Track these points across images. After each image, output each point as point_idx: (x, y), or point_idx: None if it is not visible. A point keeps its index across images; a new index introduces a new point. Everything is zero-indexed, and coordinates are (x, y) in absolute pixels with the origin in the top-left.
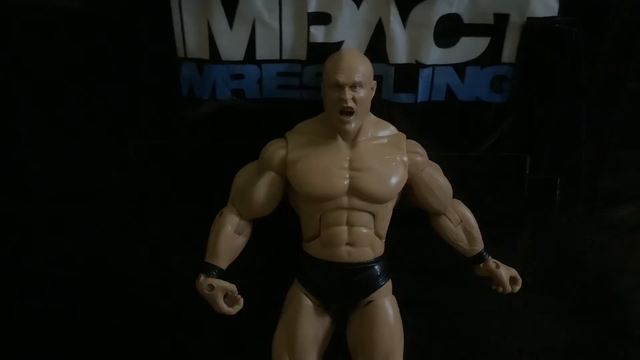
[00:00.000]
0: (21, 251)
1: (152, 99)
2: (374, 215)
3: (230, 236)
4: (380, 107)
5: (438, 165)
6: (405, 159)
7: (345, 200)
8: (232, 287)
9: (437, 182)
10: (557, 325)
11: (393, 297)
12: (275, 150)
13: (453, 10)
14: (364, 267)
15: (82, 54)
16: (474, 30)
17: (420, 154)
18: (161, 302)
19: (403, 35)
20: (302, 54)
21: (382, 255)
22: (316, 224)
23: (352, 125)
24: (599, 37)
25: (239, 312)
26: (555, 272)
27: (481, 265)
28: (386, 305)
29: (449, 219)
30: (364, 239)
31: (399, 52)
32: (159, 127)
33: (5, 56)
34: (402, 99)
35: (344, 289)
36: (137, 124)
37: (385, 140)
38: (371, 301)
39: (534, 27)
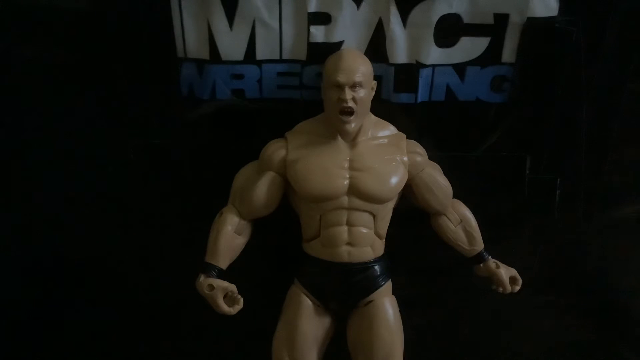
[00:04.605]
0: (21, 251)
1: (152, 99)
2: (374, 215)
3: (230, 236)
4: (380, 107)
5: (438, 165)
6: (405, 159)
7: (345, 200)
8: (232, 287)
9: (437, 182)
10: (557, 325)
11: (393, 297)
12: (275, 150)
13: (453, 10)
14: (364, 267)
15: (82, 54)
16: (474, 30)
17: (420, 154)
18: (161, 302)
19: (403, 35)
20: (302, 54)
21: (382, 255)
22: (316, 224)
23: (352, 125)
24: (599, 37)
25: (239, 312)
26: (555, 272)
27: (481, 265)
28: (386, 305)
29: (449, 219)
30: (364, 239)
31: (399, 52)
32: (159, 127)
33: (5, 56)
34: (402, 99)
35: (344, 289)
36: (137, 124)
37: (385, 140)
38: (371, 301)
39: (534, 27)
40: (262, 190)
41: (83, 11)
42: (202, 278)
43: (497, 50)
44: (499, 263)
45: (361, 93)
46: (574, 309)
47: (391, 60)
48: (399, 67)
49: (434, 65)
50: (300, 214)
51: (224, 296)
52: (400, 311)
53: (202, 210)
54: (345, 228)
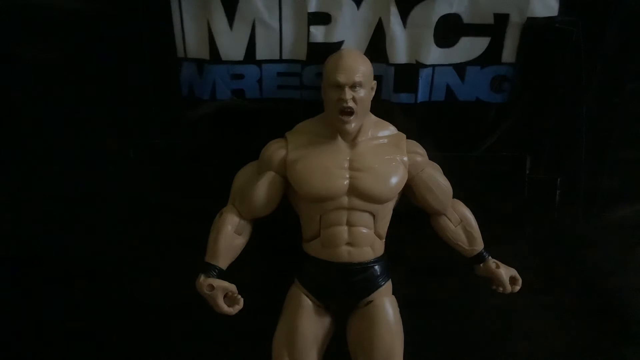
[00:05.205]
0: (21, 251)
1: (152, 99)
2: (374, 215)
3: (230, 236)
4: (380, 107)
5: (438, 165)
6: (405, 159)
7: (345, 200)
8: (232, 287)
9: (437, 182)
10: (557, 325)
11: (393, 297)
12: (275, 150)
13: (453, 10)
14: (364, 267)
15: (82, 54)
16: (474, 30)
17: (420, 154)
18: (161, 302)
19: (403, 35)
20: (302, 54)
21: (382, 255)
22: (316, 224)
23: (352, 125)
24: (599, 37)
25: (239, 312)
26: (555, 272)
27: (481, 265)
28: (386, 305)
29: (449, 219)
30: (364, 239)
31: (399, 52)
32: (159, 127)
33: (5, 56)
34: (402, 99)
35: (344, 289)
36: (137, 124)
37: (385, 140)
38: (371, 301)
39: (534, 27)
40: (262, 190)
41: (83, 11)
42: (202, 278)
43: (497, 50)
44: (499, 263)
45: (361, 93)
46: (574, 309)
47: (391, 60)
48: (399, 67)
49: (434, 65)
50: (300, 214)
51: (224, 296)
52: (400, 311)
53: (202, 210)
54: (345, 228)
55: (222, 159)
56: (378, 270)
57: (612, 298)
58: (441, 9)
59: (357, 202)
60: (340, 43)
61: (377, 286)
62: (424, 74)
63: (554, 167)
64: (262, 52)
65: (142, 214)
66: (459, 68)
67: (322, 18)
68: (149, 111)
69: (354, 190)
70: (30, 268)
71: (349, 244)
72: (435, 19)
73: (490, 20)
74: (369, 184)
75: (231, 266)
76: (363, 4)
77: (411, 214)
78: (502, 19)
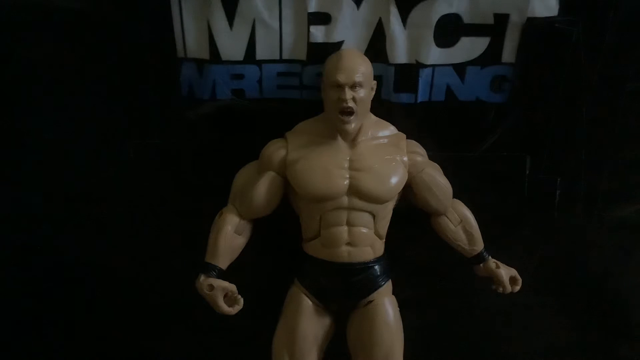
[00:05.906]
0: (21, 251)
1: (152, 99)
2: (374, 215)
3: (230, 236)
4: (380, 107)
5: (438, 165)
6: (405, 159)
7: (345, 200)
8: (232, 287)
9: (437, 182)
10: (557, 325)
11: (393, 297)
12: (275, 150)
13: (453, 10)
14: (364, 267)
15: (82, 54)
16: (474, 30)
17: (420, 154)
18: (161, 302)
19: (403, 35)
20: (302, 54)
21: (382, 255)
22: (316, 224)
23: (352, 125)
24: (599, 37)
25: (239, 312)
26: (555, 272)
27: (481, 265)
28: (386, 305)
29: (449, 219)
30: (364, 239)
31: (399, 52)
32: (159, 127)
33: (5, 56)
34: (402, 99)
35: (344, 289)
36: (137, 124)
37: (385, 140)
38: (371, 301)
39: (534, 27)
40: (262, 190)
41: (83, 11)
42: (202, 278)
43: (497, 50)
44: (499, 263)
45: (361, 93)
46: (574, 309)
47: (391, 60)
48: (399, 67)
49: (434, 65)
50: (300, 214)
51: (224, 296)
52: (400, 311)
53: (202, 210)
54: (345, 228)
55: (222, 159)
56: (378, 270)
57: (612, 298)
58: (441, 9)
59: (357, 202)
60: (340, 43)
61: (377, 286)
62: (424, 74)
63: (554, 167)
64: (262, 52)
65: (142, 214)
66: (459, 68)
67: (322, 18)
68: (149, 111)
69: (354, 190)
70: (31, 268)
71: (349, 244)
72: (435, 19)
73: (490, 20)
74: (369, 184)
75: (231, 266)
76: (363, 4)
77: (411, 214)
78: (502, 19)
